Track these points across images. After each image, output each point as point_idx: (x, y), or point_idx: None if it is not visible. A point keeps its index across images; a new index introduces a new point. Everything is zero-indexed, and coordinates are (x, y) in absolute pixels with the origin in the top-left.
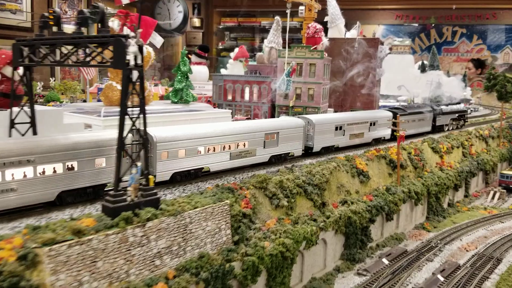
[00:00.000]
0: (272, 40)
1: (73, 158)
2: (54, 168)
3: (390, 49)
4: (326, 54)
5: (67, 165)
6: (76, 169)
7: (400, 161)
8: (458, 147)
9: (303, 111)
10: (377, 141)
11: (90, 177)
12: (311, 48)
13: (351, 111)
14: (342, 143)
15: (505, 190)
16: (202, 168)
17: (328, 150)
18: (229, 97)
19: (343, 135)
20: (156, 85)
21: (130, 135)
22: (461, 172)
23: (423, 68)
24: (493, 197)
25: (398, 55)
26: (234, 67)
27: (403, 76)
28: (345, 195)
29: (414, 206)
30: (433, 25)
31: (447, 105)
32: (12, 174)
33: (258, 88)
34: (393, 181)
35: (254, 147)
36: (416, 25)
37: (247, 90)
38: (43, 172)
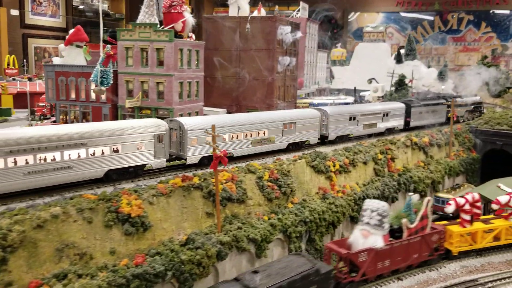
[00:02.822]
0: (144, 20)
1: (118, 142)
2: (102, 150)
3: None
4: (193, 37)
5: (113, 148)
6: (120, 151)
7: (231, 192)
8: (365, 163)
9: (153, 114)
10: (390, 131)
11: (132, 159)
12: (159, 28)
13: (247, 111)
14: (356, 132)
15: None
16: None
17: (343, 139)
18: (70, 95)
19: (357, 125)
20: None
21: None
22: (361, 198)
23: (399, 58)
24: None
25: (371, 43)
26: (70, 55)
27: (376, 67)
28: (72, 262)
29: (247, 260)
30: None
31: (461, 97)
32: (69, 155)
33: None
34: (213, 225)
35: (273, 135)
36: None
37: (83, 85)
38: (94, 154)
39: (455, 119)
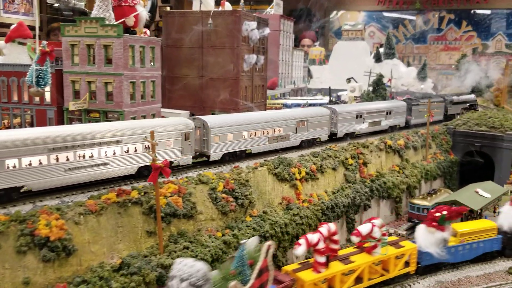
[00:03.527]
0: (98, 15)
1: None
2: (135, 147)
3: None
4: (147, 32)
5: (145, 145)
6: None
7: (177, 207)
8: (335, 169)
9: (101, 117)
10: (393, 128)
11: (161, 155)
12: (106, 22)
13: (212, 114)
14: (362, 129)
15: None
16: (245, 150)
17: (350, 136)
18: (12, 97)
19: (363, 122)
20: None
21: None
22: (329, 208)
23: (378, 57)
24: None
25: (350, 41)
26: (12, 53)
27: (355, 66)
28: None
29: None
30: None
31: (458, 95)
32: (106, 152)
33: None
34: (154, 246)
35: (288, 133)
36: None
37: (25, 86)
38: (127, 151)
39: (431, 120)
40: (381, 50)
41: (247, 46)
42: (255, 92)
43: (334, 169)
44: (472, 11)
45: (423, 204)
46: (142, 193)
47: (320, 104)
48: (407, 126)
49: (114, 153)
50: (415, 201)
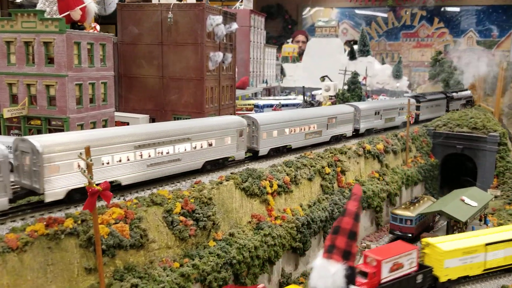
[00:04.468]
0: (44, 9)
1: (212, 137)
2: (201, 144)
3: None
4: (97, 27)
5: (209, 142)
6: (213, 145)
7: (122, 236)
8: (310, 179)
9: (43, 126)
10: (405, 124)
11: (222, 151)
12: (46, 15)
13: (174, 118)
14: (379, 126)
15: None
16: (287, 145)
17: (369, 131)
18: None
19: (381, 119)
20: None
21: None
22: (304, 224)
23: (352, 54)
24: None
25: (324, 38)
26: None
27: (329, 64)
28: None
29: None
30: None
31: (457, 92)
32: (178, 148)
33: None
34: (95, 285)
35: (321, 129)
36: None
37: None
38: (195, 147)
39: (412, 122)
40: (355, 47)
41: (212, 43)
42: (222, 93)
43: (309, 179)
44: (442, 9)
45: (405, 214)
46: (79, 222)
47: (294, 105)
48: (416, 121)
49: (185, 150)
50: (397, 211)
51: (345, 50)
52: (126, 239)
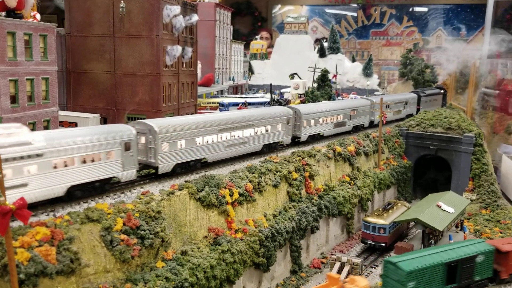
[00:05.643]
0: None
1: (268, 124)
2: (261, 129)
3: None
4: (37, 16)
5: (266, 128)
6: (269, 130)
7: (47, 262)
8: (276, 186)
9: None
10: (409, 116)
11: (275, 136)
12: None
13: (128, 118)
14: (389, 118)
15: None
16: (320, 133)
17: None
18: None
19: (390, 111)
20: None
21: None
22: (268, 237)
23: (322, 52)
24: (339, 272)
25: (293, 35)
26: None
27: (298, 61)
28: None
29: None
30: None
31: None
32: (246, 133)
33: None
34: None
35: (345, 120)
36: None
37: None
38: (257, 132)
39: (384, 122)
40: (325, 44)
41: (170, 36)
42: (182, 90)
43: (275, 186)
44: (410, 9)
45: (378, 222)
46: None
47: (261, 103)
48: (418, 113)
49: (250, 134)
50: (370, 219)
51: (314, 48)
52: (51, 265)
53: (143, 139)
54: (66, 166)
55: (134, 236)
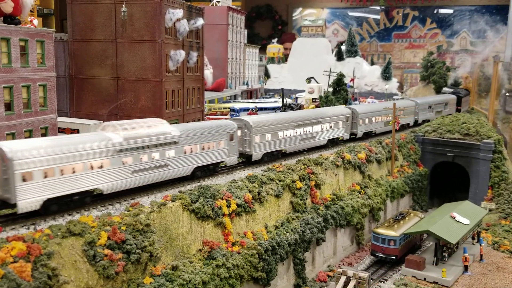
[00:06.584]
0: None
1: (332, 121)
2: (325, 126)
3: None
4: (34, 22)
5: (330, 125)
6: (332, 127)
7: (21, 279)
8: (278, 196)
9: None
10: (448, 115)
11: (336, 132)
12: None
13: None
14: (431, 117)
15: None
16: (372, 131)
17: (426, 122)
18: None
19: (432, 112)
20: None
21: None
22: (268, 250)
23: (340, 55)
24: (344, 287)
25: (310, 38)
26: None
27: (315, 65)
28: None
29: None
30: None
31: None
32: (314, 128)
33: None
34: None
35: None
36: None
37: None
38: (322, 129)
39: (397, 128)
40: (343, 47)
41: (173, 40)
42: (187, 96)
43: (277, 196)
44: (434, 11)
45: (388, 234)
46: None
47: (273, 108)
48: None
49: (317, 130)
50: (379, 230)
51: (333, 51)
52: (25, 282)
53: (239, 132)
54: (191, 152)
55: (119, 250)
